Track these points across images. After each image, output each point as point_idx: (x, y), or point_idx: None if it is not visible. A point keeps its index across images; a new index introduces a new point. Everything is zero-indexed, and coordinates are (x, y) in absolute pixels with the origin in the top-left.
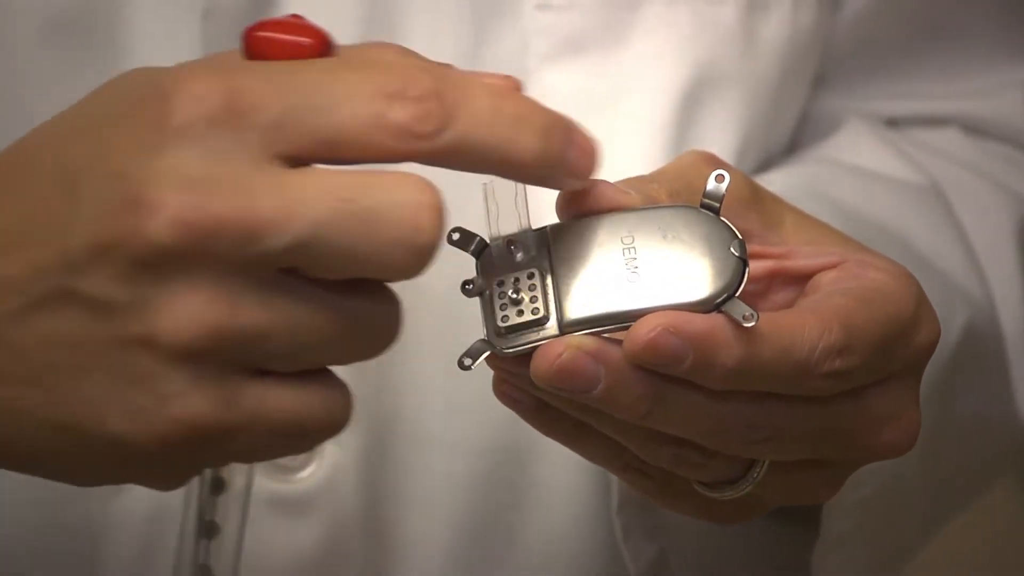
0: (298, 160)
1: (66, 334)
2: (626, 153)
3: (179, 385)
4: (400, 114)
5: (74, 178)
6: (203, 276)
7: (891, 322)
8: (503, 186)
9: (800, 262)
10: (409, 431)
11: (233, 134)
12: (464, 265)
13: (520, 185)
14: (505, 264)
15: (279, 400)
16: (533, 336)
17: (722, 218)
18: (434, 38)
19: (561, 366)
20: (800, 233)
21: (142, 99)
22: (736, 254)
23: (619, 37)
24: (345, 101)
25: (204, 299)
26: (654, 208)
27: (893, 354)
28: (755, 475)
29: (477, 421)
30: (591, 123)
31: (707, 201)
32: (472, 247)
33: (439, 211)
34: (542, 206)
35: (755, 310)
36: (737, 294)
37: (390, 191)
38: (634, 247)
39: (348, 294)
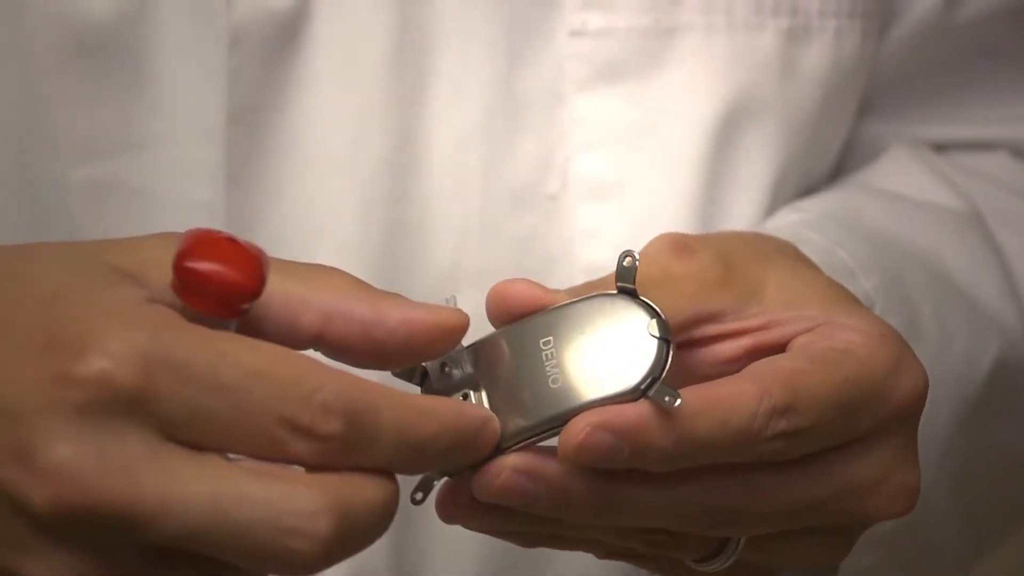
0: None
1: None
2: (661, 183)
3: None
4: (299, 448)
5: None
6: (81, 546)
7: (848, 382)
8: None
9: (776, 332)
10: None
11: (132, 417)
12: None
13: (453, 303)
14: (442, 386)
15: None
16: None
17: (641, 298)
18: (467, 65)
19: (500, 489)
20: (782, 295)
21: (55, 335)
22: (656, 335)
23: (655, 65)
24: (248, 419)
25: (79, 568)
26: (571, 303)
27: (856, 414)
28: (734, 548)
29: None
30: (625, 151)
31: (621, 284)
32: (415, 377)
33: (328, 541)
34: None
35: (677, 393)
36: (663, 376)
37: (270, 507)
38: (553, 348)
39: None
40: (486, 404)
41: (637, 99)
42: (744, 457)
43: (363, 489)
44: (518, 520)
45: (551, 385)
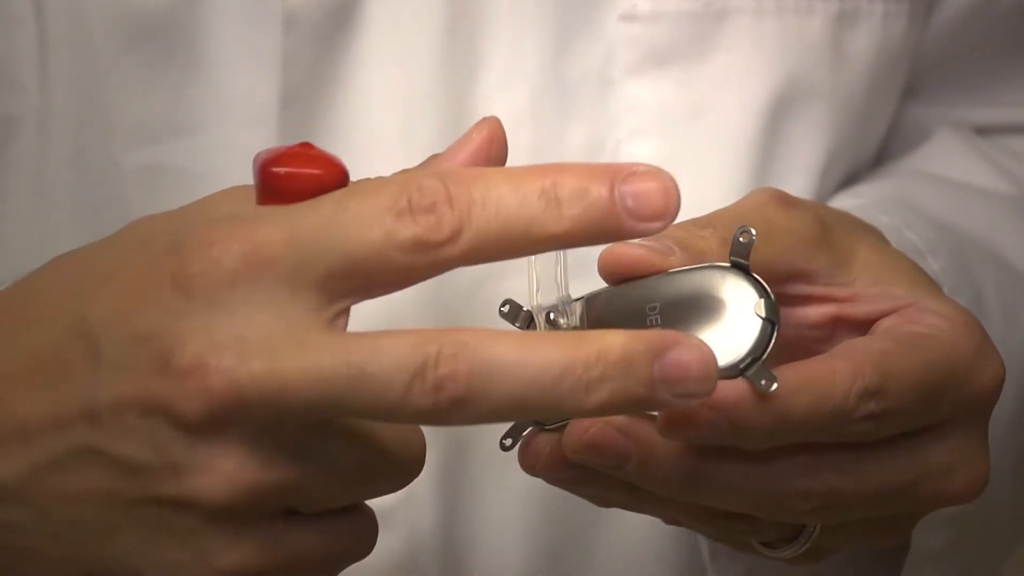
0: (329, 297)
1: (92, 492)
2: (711, 168)
3: (220, 541)
4: (410, 230)
5: (94, 334)
6: (235, 438)
7: (935, 366)
8: (545, 256)
9: (862, 308)
10: (487, 447)
11: (252, 293)
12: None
13: (561, 255)
14: None
15: (313, 539)
16: None
17: (753, 275)
18: (517, 50)
19: (590, 441)
20: (871, 270)
21: (159, 257)
22: (762, 316)
23: (705, 49)
24: (354, 229)
25: (238, 460)
26: (683, 271)
27: (941, 399)
28: (810, 533)
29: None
30: (675, 136)
31: (735, 259)
32: (519, 321)
33: (450, 377)
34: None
35: (773, 376)
36: (764, 357)
37: (398, 355)
38: (659, 316)
39: (370, 439)
40: None
41: (687, 84)
42: (833, 437)
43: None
44: (598, 482)
45: None
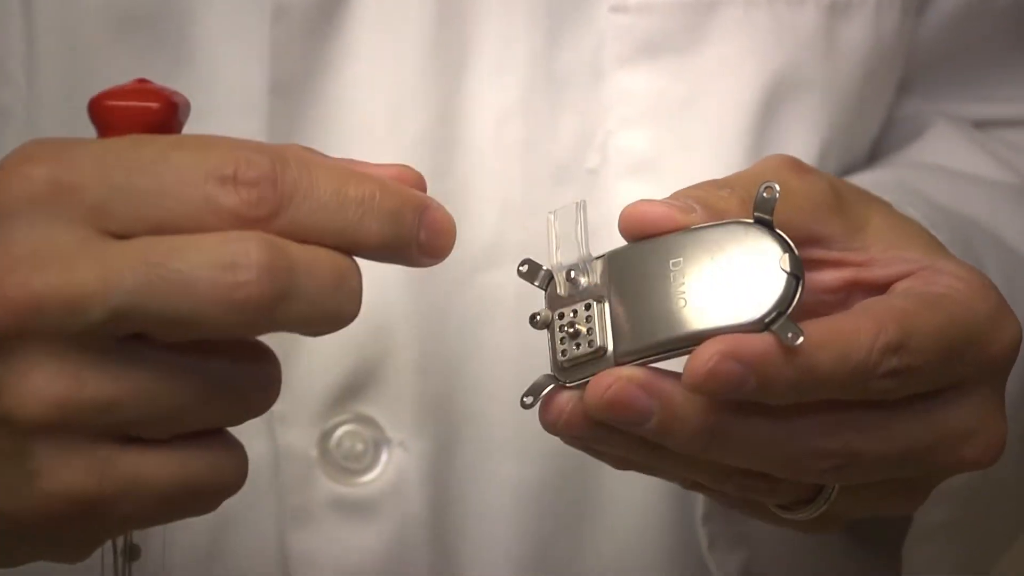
0: (129, 237)
1: None
2: (702, 159)
3: (44, 460)
4: (231, 199)
5: None
6: (41, 352)
7: (955, 325)
8: (565, 215)
9: (878, 272)
10: (477, 435)
11: (57, 211)
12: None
13: (581, 213)
14: (568, 295)
15: (157, 466)
16: (592, 369)
17: (776, 230)
18: (507, 41)
19: (611, 397)
20: (885, 236)
21: None
22: (787, 270)
23: (696, 40)
24: (174, 185)
25: (47, 374)
26: (706, 227)
27: (961, 358)
28: (828, 495)
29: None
30: (666, 127)
31: (759, 215)
32: (538, 280)
33: (265, 267)
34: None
35: (800, 329)
36: (789, 311)
37: (204, 251)
38: (683, 271)
39: (204, 356)
40: (608, 316)
41: (678, 75)
42: (855, 394)
43: (306, 250)
44: (619, 441)
45: (675, 307)
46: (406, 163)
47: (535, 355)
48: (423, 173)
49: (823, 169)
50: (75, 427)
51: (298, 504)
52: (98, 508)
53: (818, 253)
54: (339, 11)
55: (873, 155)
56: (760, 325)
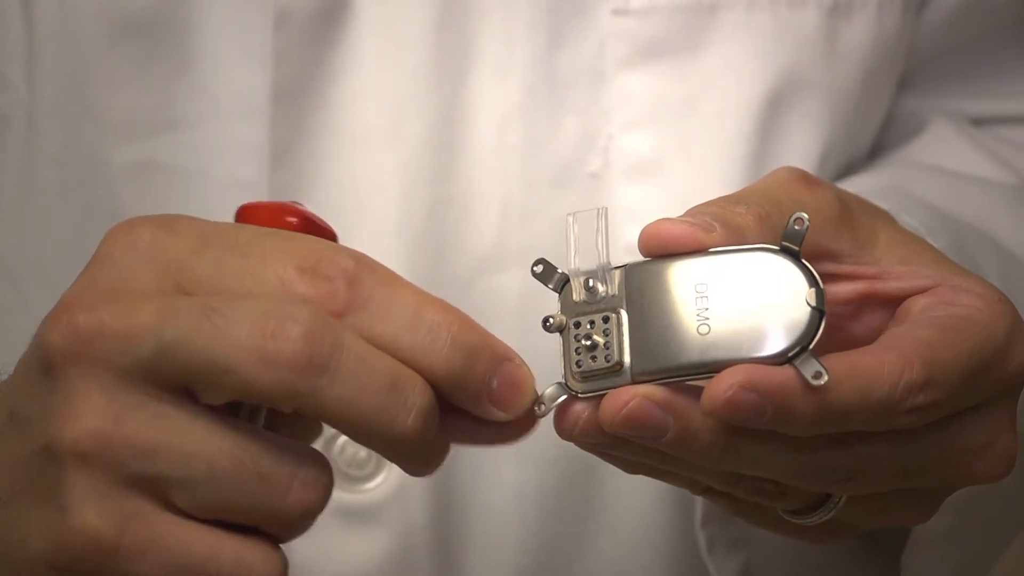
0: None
1: (7, 458)
2: (704, 161)
3: (75, 493)
4: (304, 286)
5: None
6: (92, 382)
7: (978, 352)
8: (585, 219)
9: (892, 284)
10: None
11: (148, 263)
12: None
13: (603, 219)
14: (583, 302)
15: (184, 537)
16: (607, 383)
17: (803, 261)
18: (509, 44)
19: (628, 414)
20: (894, 251)
21: (55, 311)
22: (812, 305)
23: (698, 43)
24: (257, 265)
25: (92, 404)
26: (732, 251)
27: (981, 383)
28: (836, 501)
29: (549, 430)
30: (668, 129)
31: (786, 244)
32: (552, 282)
33: (309, 331)
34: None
35: (824, 367)
36: (811, 346)
37: (259, 303)
38: (707, 296)
39: (249, 433)
40: (626, 328)
41: (680, 77)
42: (878, 427)
43: (365, 344)
44: (631, 449)
45: (698, 332)
46: (407, 167)
47: (537, 359)
48: (425, 177)
49: (824, 169)
50: (110, 464)
51: None
52: (112, 558)
53: (829, 267)
54: (341, 16)
55: (874, 152)
56: (782, 358)
